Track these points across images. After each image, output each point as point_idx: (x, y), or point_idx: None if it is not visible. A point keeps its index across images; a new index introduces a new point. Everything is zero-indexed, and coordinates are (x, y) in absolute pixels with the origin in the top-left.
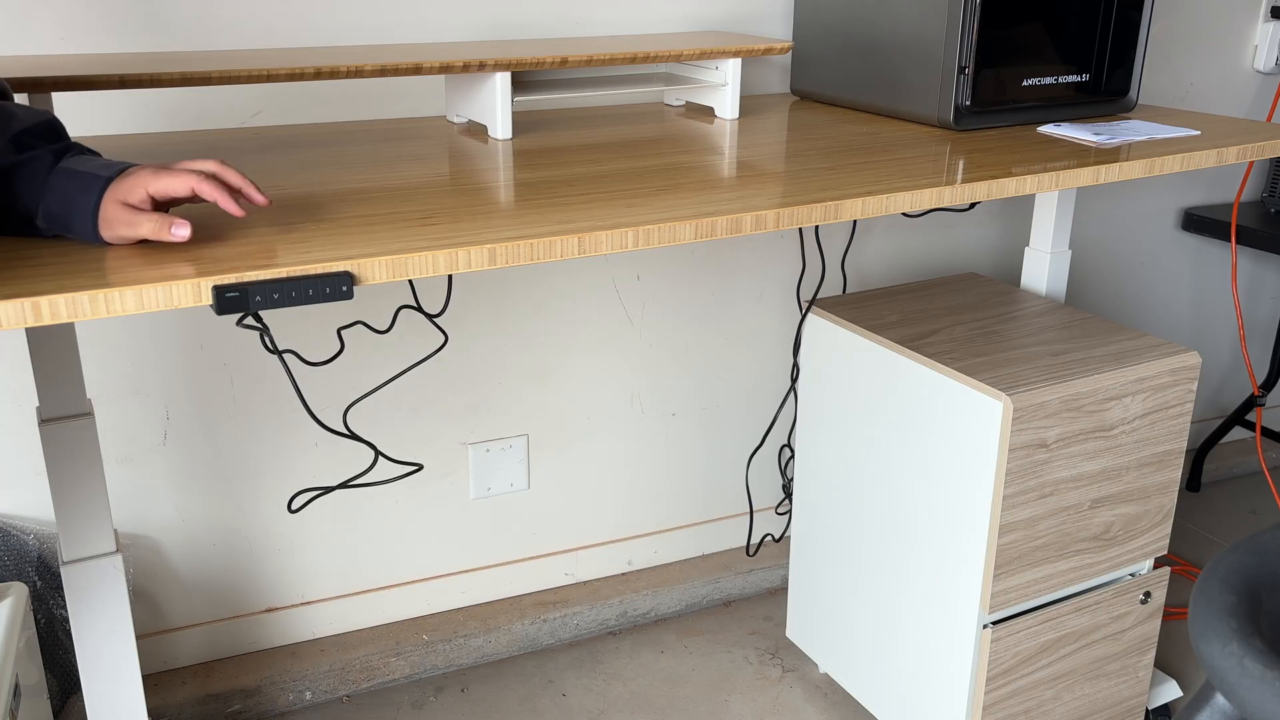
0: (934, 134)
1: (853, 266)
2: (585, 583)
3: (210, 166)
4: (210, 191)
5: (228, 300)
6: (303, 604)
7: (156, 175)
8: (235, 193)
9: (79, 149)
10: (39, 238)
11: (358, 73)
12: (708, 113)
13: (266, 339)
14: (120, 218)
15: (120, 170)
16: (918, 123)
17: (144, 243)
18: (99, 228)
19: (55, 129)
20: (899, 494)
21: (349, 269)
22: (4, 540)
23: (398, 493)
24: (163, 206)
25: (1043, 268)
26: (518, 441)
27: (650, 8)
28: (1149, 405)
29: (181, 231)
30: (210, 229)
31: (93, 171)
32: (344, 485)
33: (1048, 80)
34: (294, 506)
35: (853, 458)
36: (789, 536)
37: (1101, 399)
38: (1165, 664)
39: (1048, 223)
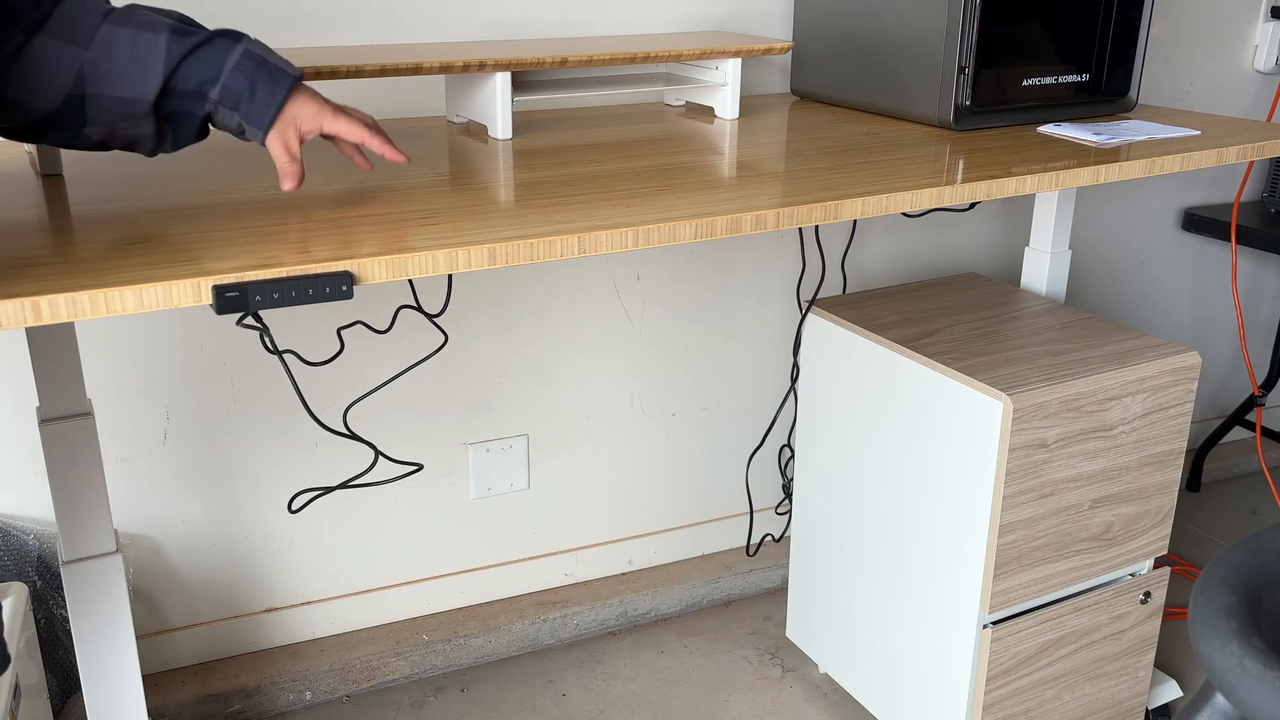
0: (934, 134)
1: (853, 266)
2: (585, 583)
3: (369, 120)
4: (379, 144)
5: (228, 300)
6: (303, 604)
7: (336, 116)
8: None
9: (244, 35)
10: (172, 134)
11: (358, 73)
12: (708, 113)
13: (266, 339)
14: (286, 130)
15: (300, 77)
16: (918, 123)
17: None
18: (272, 124)
19: (190, 19)
20: (899, 494)
21: (349, 269)
22: (4, 540)
23: (398, 493)
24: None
25: (1043, 268)
26: (518, 441)
27: (650, 8)
28: (1149, 405)
29: (289, 185)
30: (209, 228)
31: (281, 66)
32: (344, 485)
33: (1048, 80)
34: (294, 506)
35: (853, 458)
36: (789, 536)
37: (1101, 399)
38: (1165, 664)
39: (1048, 223)
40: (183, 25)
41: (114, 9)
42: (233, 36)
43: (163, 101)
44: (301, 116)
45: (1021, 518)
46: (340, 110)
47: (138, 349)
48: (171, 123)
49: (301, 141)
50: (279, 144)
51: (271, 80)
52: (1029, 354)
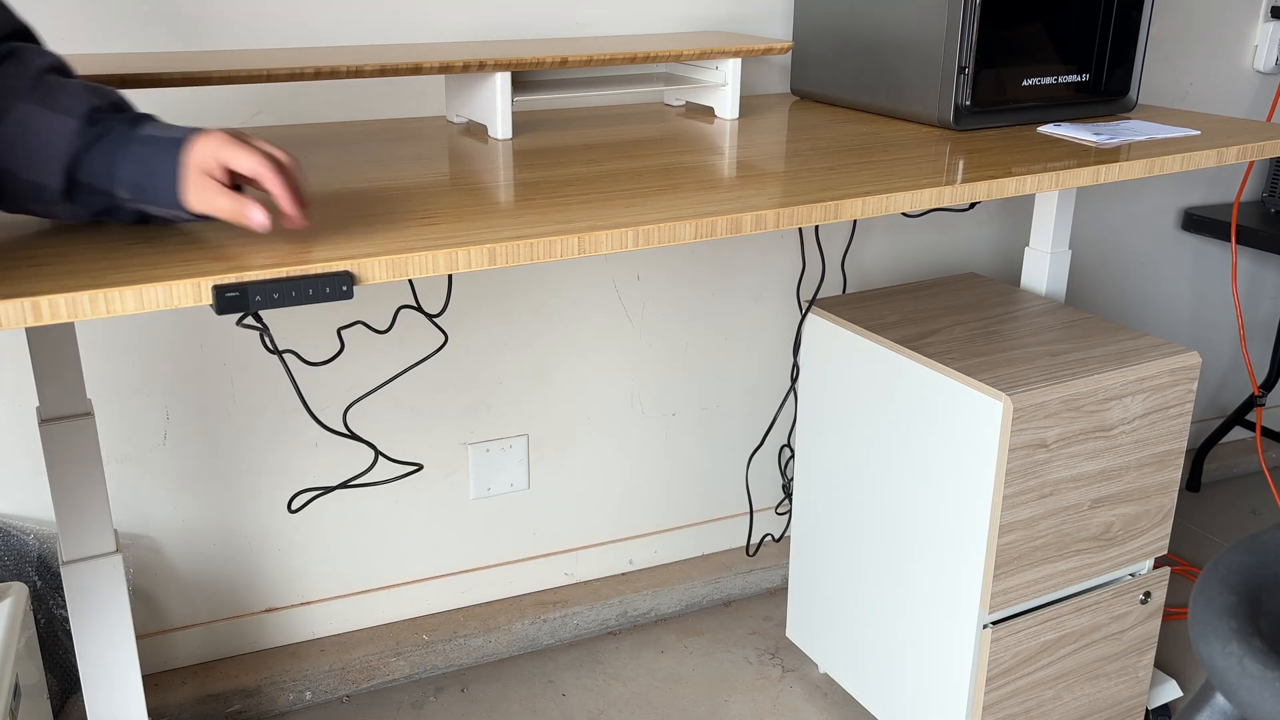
0: (934, 134)
1: (853, 266)
2: (585, 583)
3: (282, 157)
4: (273, 183)
5: (228, 300)
6: (303, 604)
7: (226, 142)
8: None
9: (150, 117)
10: (116, 220)
11: (358, 73)
12: (708, 113)
13: (266, 339)
14: (200, 184)
15: (196, 130)
16: (918, 123)
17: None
18: (183, 192)
19: (122, 104)
20: (899, 494)
21: (349, 269)
22: (4, 540)
23: (398, 493)
24: (236, 186)
25: (1043, 268)
26: (518, 441)
27: (650, 8)
28: (1149, 405)
29: (259, 218)
30: (209, 228)
31: (171, 136)
32: (344, 485)
33: (1048, 80)
34: (294, 506)
35: (853, 458)
36: (789, 536)
37: (1101, 399)
38: (1165, 664)
39: (1048, 223)
40: (99, 113)
41: (47, 79)
42: (131, 121)
43: (77, 195)
44: (201, 156)
45: (1021, 518)
46: (243, 143)
47: (138, 349)
48: (111, 214)
49: (225, 180)
50: (202, 202)
51: (165, 150)
52: (1029, 354)
